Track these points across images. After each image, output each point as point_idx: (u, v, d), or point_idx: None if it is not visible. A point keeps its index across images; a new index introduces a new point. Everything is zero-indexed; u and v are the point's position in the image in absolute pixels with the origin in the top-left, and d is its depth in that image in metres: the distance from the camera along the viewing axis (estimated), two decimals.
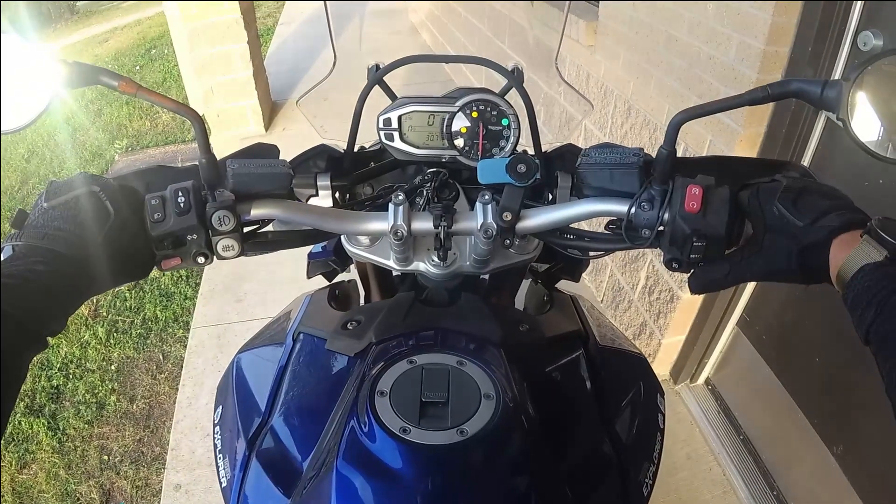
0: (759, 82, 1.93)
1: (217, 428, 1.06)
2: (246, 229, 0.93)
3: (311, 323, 1.12)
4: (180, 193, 0.85)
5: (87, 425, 2.97)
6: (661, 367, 2.84)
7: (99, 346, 3.40)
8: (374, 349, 0.95)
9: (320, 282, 1.40)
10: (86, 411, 3.03)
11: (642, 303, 2.83)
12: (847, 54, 1.79)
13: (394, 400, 0.81)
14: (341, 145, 1.15)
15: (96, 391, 3.14)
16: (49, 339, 0.73)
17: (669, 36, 2.36)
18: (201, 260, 0.90)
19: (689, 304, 2.54)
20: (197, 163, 0.90)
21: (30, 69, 0.80)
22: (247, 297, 3.55)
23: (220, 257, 0.90)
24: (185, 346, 3.26)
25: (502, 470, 0.77)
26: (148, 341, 3.42)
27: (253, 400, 1.03)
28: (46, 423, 2.98)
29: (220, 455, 1.01)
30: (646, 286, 2.79)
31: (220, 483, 0.97)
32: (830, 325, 2.03)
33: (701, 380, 2.80)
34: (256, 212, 0.92)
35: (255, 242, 0.96)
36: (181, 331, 3.44)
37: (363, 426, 0.78)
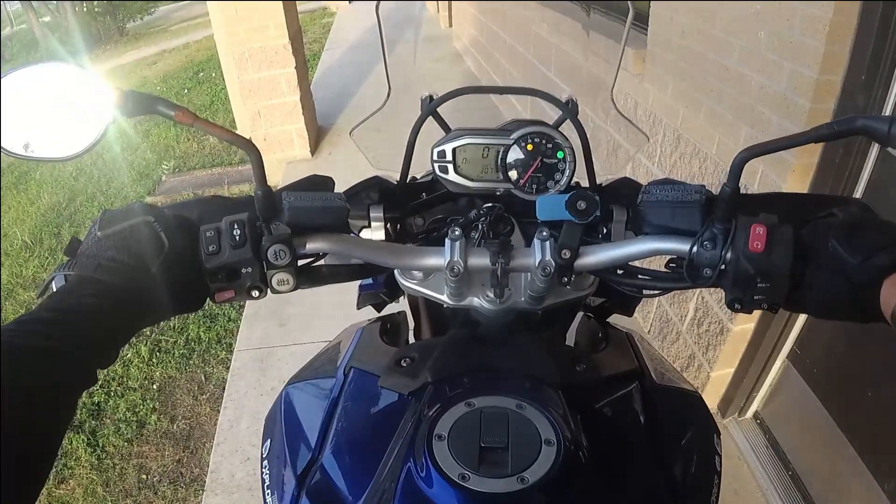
0: (812, 112, 1.93)
1: (265, 462, 1.05)
2: (300, 262, 0.91)
3: (363, 357, 1.10)
4: (236, 226, 0.85)
5: (126, 443, 2.99)
6: (709, 400, 2.76)
7: (141, 365, 3.43)
8: (430, 389, 0.92)
9: (369, 310, 1.38)
10: (126, 429, 3.06)
11: (691, 335, 2.78)
12: None
13: (452, 444, 0.78)
14: (393, 176, 1.15)
15: (137, 410, 3.16)
16: (99, 372, 0.72)
17: (719, 65, 2.33)
18: (255, 293, 0.88)
19: (740, 336, 2.49)
20: (251, 194, 0.90)
21: (87, 97, 0.80)
22: (290, 322, 3.55)
23: (275, 291, 0.89)
24: (228, 368, 3.28)
25: None
26: (190, 362, 3.45)
27: (302, 434, 1.01)
28: (86, 440, 3.00)
29: (269, 490, 1.00)
30: (695, 318, 2.74)
31: None
32: (883, 360, 1.98)
33: (749, 413, 2.73)
34: (312, 245, 0.91)
35: (310, 276, 0.95)
36: (224, 352, 3.46)
37: (420, 470, 0.76)
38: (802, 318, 2.33)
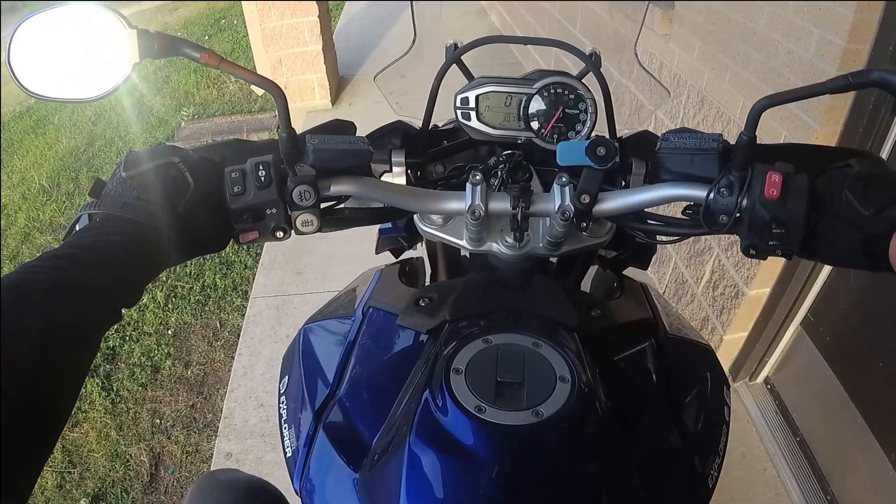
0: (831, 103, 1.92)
1: (283, 398, 1.06)
2: (323, 205, 0.92)
3: (382, 298, 1.10)
4: (261, 167, 0.85)
5: (140, 388, 3.02)
6: (722, 364, 2.77)
7: (157, 311, 3.45)
8: (448, 327, 0.93)
9: (385, 258, 1.38)
10: (140, 374, 3.09)
11: (706, 297, 2.78)
12: None
13: (469, 378, 0.79)
14: (416, 123, 1.15)
15: (152, 355, 3.19)
16: (124, 310, 0.72)
17: (747, 28, 2.30)
18: (280, 234, 0.89)
19: (754, 301, 2.50)
20: (275, 137, 0.91)
21: (112, 38, 0.80)
22: (307, 271, 3.56)
23: (299, 232, 0.90)
24: (243, 316, 3.29)
25: (576, 453, 0.75)
26: (206, 308, 3.46)
27: (320, 372, 1.02)
28: (100, 384, 3.04)
29: (286, 425, 1.01)
30: (710, 280, 2.74)
31: (285, 453, 0.97)
32: None
33: (760, 378, 2.75)
34: (336, 188, 0.92)
35: (333, 219, 0.96)
36: (239, 300, 3.47)
37: (437, 403, 0.78)
38: (818, 285, 2.34)
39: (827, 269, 2.27)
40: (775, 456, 2.49)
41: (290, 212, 0.88)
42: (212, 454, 2.62)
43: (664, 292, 3.20)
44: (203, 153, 0.90)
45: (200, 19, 9.59)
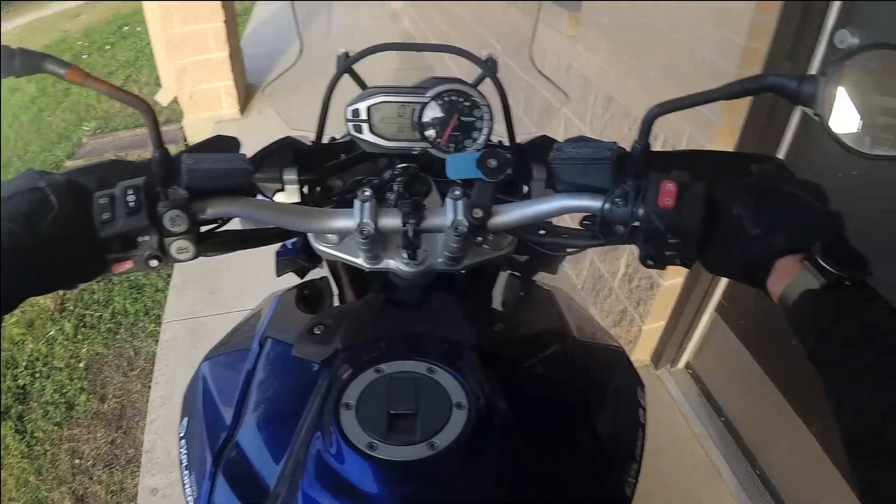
0: (739, 76, 1.91)
1: (183, 441, 1.02)
2: (204, 228, 0.88)
3: (279, 326, 1.07)
4: (130, 191, 0.80)
5: (56, 427, 2.88)
6: (642, 353, 2.88)
7: (66, 343, 3.30)
8: (341, 356, 0.90)
9: (294, 279, 1.35)
10: (55, 412, 2.95)
11: (622, 290, 2.85)
12: (824, 51, 1.84)
13: (360, 413, 0.77)
14: (309, 136, 1.13)
15: (65, 391, 3.05)
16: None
17: (652, 29, 2.34)
18: (154, 263, 0.84)
19: (669, 290, 2.57)
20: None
21: None
22: (221, 290, 3.46)
23: (175, 260, 0.85)
24: (157, 342, 3.19)
25: (477, 482, 0.74)
26: (118, 336, 3.33)
27: (219, 410, 0.98)
28: (13, 427, 2.89)
29: (187, 471, 0.97)
30: (626, 274, 2.80)
31: (186, 501, 0.94)
32: None
33: (681, 364, 2.85)
34: (213, 210, 0.87)
35: (213, 243, 0.92)
36: (152, 325, 3.35)
37: (329, 443, 0.75)
38: None
39: None
40: (703, 438, 2.57)
41: (163, 238, 0.83)
42: (137, 491, 2.53)
43: (582, 288, 3.26)
44: (74, 176, 0.85)
45: (103, 26, 9.27)
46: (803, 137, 2.00)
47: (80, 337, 3.34)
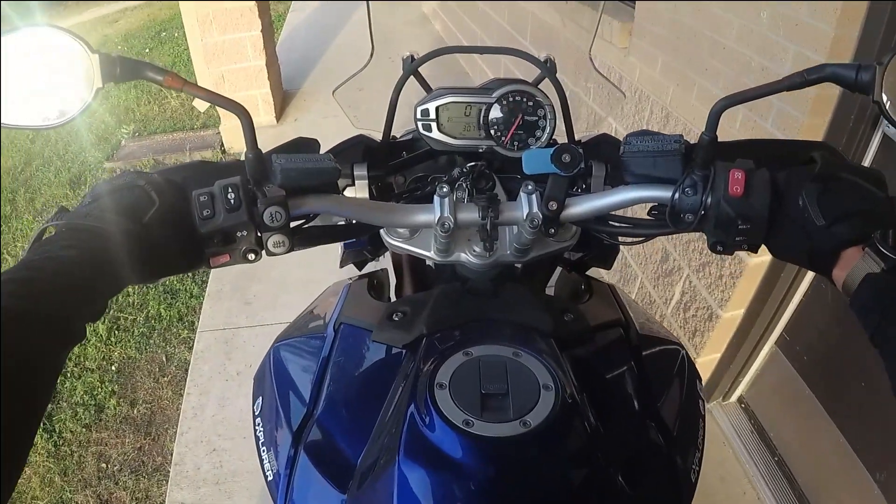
0: (817, 97, 1.87)
1: (258, 419, 1.07)
2: (292, 224, 0.92)
3: (353, 313, 1.12)
4: (230, 190, 0.84)
5: (84, 429, 2.85)
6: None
7: (99, 345, 3.27)
8: (426, 341, 0.95)
9: (345, 273, 1.42)
10: (84, 414, 2.92)
11: (676, 318, 2.74)
12: None
13: (454, 392, 0.81)
14: (373, 135, 1.18)
15: (95, 393, 3.02)
16: (87, 326, 0.71)
17: (715, 42, 2.23)
18: (251, 257, 0.89)
19: (729, 322, 2.47)
20: (241, 158, 0.91)
21: (74, 63, 0.79)
22: (256, 300, 3.41)
23: (271, 253, 0.90)
24: (190, 349, 3.14)
25: (564, 461, 0.78)
26: (151, 341, 3.30)
27: (296, 391, 1.03)
28: (42, 425, 2.84)
29: (264, 448, 1.01)
30: (681, 301, 2.68)
31: (266, 477, 0.97)
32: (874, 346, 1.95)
33: (734, 398, 2.74)
34: (305, 207, 0.92)
35: (302, 238, 0.96)
36: (186, 331, 3.32)
37: (424, 419, 0.79)
38: (794, 304, 2.33)
39: (803, 287, 2.27)
40: (754, 477, 2.47)
41: (260, 233, 0.88)
42: (163, 501, 2.47)
43: None
44: (167, 175, 0.89)
45: (141, 31, 9.35)
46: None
47: (113, 340, 3.31)
